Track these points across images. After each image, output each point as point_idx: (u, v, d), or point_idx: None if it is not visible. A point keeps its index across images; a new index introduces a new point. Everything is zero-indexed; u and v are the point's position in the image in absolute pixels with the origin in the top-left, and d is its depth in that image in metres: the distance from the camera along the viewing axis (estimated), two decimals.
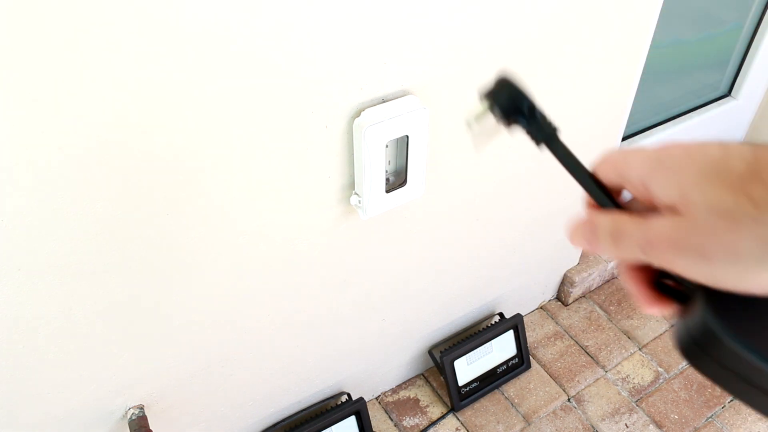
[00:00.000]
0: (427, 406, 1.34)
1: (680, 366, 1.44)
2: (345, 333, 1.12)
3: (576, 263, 1.53)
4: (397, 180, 0.88)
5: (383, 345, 1.23)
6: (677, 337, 0.27)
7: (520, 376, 1.39)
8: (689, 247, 0.24)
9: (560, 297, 1.57)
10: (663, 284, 0.30)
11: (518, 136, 0.34)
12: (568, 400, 1.37)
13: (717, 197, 0.23)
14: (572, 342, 1.48)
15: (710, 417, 1.34)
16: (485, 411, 1.34)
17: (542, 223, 1.29)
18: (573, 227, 0.30)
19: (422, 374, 1.40)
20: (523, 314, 1.47)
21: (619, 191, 0.31)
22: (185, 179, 0.71)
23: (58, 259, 0.68)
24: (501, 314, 1.41)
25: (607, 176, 0.30)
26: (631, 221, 0.26)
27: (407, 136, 0.82)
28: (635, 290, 0.30)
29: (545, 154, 0.33)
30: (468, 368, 1.32)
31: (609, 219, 0.28)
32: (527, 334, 1.46)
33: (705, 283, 0.24)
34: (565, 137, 0.33)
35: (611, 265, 1.57)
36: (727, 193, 0.23)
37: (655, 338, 1.49)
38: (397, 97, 0.80)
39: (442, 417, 1.32)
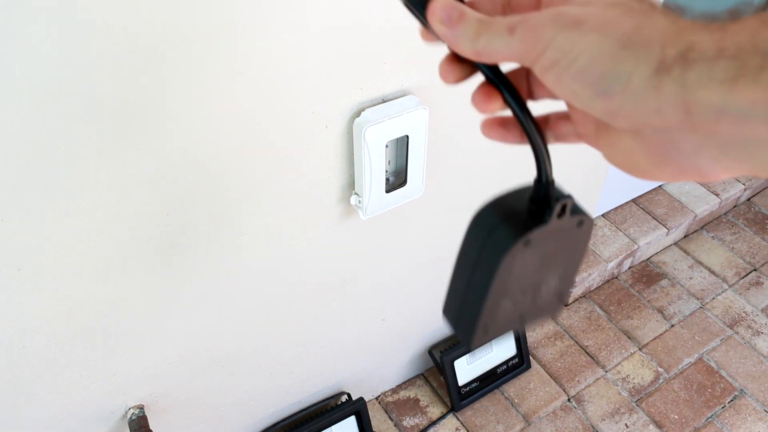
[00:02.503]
0: (427, 406, 1.34)
1: (680, 366, 1.44)
2: (345, 333, 1.12)
3: None
4: (397, 180, 0.88)
5: (383, 345, 1.23)
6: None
7: (520, 376, 1.39)
8: (569, 16, 0.24)
9: None
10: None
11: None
12: (568, 400, 1.37)
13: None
14: (572, 342, 1.48)
15: (710, 417, 1.34)
16: (485, 411, 1.34)
17: None
18: (438, 2, 0.28)
19: (422, 374, 1.40)
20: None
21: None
22: (185, 179, 0.71)
23: (58, 259, 0.68)
24: None
25: None
26: (504, 17, 0.27)
27: (407, 136, 0.82)
28: (449, 69, 0.31)
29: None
30: (468, 368, 1.33)
31: (480, 14, 0.27)
32: (527, 334, 1.46)
33: (553, 54, 0.24)
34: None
35: (611, 265, 1.57)
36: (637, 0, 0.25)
37: (655, 338, 1.49)
38: (397, 97, 0.80)
39: (442, 417, 1.32)
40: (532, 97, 0.32)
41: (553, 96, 0.30)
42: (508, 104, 0.29)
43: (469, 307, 0.33)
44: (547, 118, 0.33)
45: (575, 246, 0.33)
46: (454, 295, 0.35)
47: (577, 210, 0.31)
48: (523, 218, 0.30)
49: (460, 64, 0.30)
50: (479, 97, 0.30)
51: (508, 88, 0.29)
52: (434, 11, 0.28)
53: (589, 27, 0.24)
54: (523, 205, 0.31)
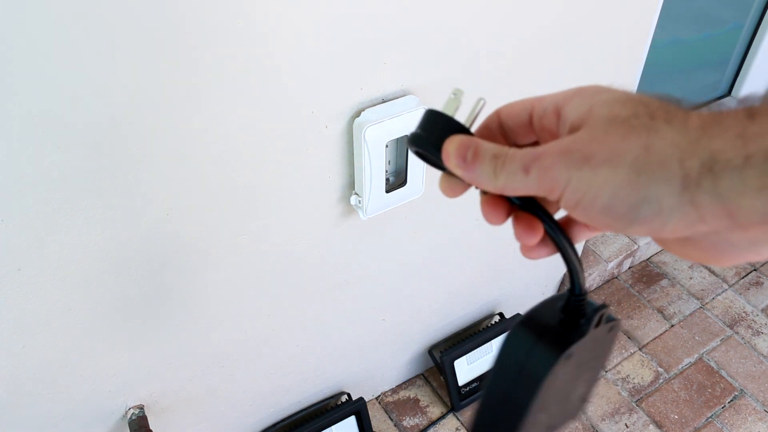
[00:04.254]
0: (427, 406, 1.34)
1: (680, 366, 1.44)
2: (345, 333, 1.12)
3: None
4: (397, 180, 0.88)
5: (383, 345, 1.23)
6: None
7: None
8: (576, 152, 0.24)
9: None
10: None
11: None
12: None
13: (620, 110, 0.24)
14: None
15: (710, 417, 1.34)
16: None
17: None
18: (454, 141, 0.27)
19: (422, 374, 1.40)
20: (523, 314, 1.46)
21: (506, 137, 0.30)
22: (185, 179, 0.71)
23: (58, 259, 0.68)
24: (501, 314, 1.41)
25: (512, 111, 0.29)
26: (518, 150, 0.26)
27: (407, 136, 0.82)
28: (490, 211, 0.30)
29: None
30: (468, 368, 1.33)
31: (494, 145, 0.27)
32: None
33: (574, 195, 0.24)
34: None
35: (611, 265, 1.57)
36: (630, 108, 0.24)
37: (655, 338, 1.49)
38: (397, 97, 0.80)
39: (442, 417, 1.32)
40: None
41: None
42: (548, 233, 0.29)
43: (505, 428, 0.32)
44: None
45: (604, 350, 0.33)
46: (485, 421, 0.33)
47: (610, 317, 0.31)
48: (559, 332, 0.30)
49: (500, 201, 0.29)
50: (523, 232, 0.30)
51: (544, 215, 0.28)
52: (449, 155, 0.27)
53: (597, 162, 0.23)
54: (554, 318, 0.30)
